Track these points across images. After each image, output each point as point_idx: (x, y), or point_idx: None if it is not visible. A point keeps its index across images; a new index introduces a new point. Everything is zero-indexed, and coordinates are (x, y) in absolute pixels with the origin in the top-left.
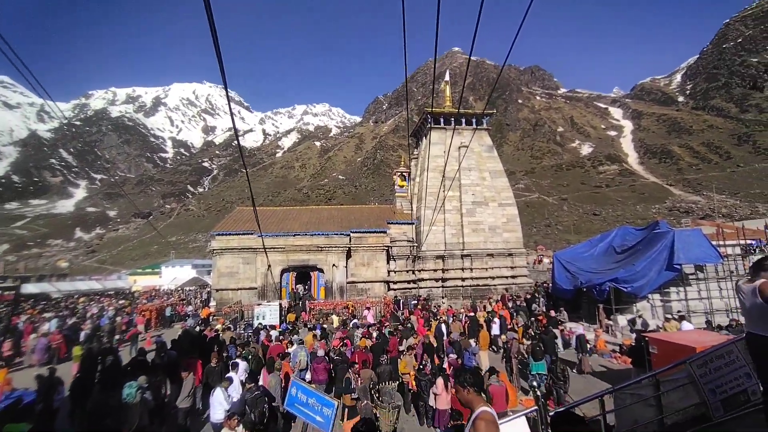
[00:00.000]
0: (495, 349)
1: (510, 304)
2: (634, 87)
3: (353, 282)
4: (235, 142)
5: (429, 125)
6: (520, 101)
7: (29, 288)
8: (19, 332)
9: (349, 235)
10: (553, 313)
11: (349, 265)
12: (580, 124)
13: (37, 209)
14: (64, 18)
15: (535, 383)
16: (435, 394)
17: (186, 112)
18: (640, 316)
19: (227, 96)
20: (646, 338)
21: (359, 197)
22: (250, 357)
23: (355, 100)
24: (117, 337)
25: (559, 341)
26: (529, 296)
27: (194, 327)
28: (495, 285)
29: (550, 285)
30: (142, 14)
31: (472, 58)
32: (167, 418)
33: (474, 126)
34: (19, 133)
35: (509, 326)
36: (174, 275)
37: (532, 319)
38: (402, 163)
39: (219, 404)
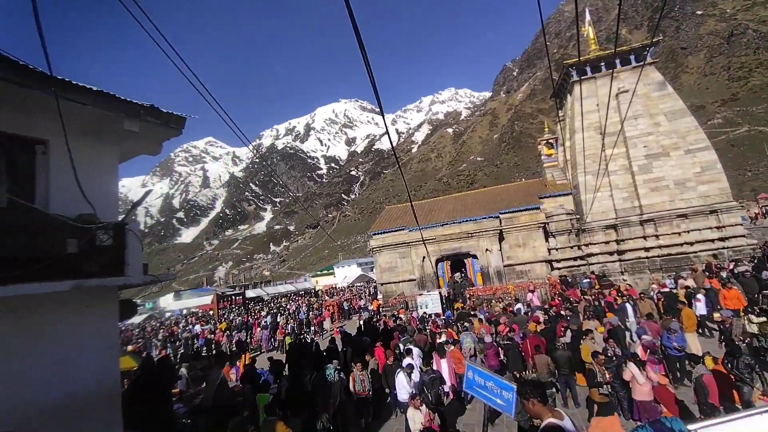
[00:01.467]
0: (703, 331)
1: (723, 274)
2: None
3: (510, 265)
4: (374, 147)
5: (572, 79)
6: (699, 12)
7: (249, 293)
8: (251, 327)
9: (498, 217)
10: None
11: (503, 247)
12: None
13: (243, 233)
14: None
15: None
16: (630, 384)
17: (330, 130)
18: None
19: (380, 110)
20: None
21: (502, 176)
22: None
23: (481, 76)
24: (313, 328)
25: None
26: (754, 261)
27: (369, 318)
28: (695, 252)
29: None
30: (287, 58)
31: None
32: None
33: (633, 64)
34: (224, 177)
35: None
36: (345, 274)
37: (764, 291)
38: (546, 129)
39: (402, 387)
